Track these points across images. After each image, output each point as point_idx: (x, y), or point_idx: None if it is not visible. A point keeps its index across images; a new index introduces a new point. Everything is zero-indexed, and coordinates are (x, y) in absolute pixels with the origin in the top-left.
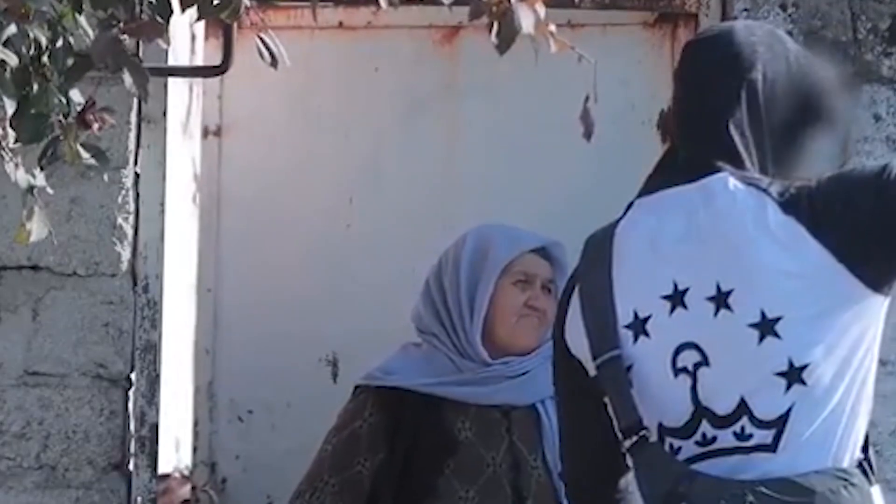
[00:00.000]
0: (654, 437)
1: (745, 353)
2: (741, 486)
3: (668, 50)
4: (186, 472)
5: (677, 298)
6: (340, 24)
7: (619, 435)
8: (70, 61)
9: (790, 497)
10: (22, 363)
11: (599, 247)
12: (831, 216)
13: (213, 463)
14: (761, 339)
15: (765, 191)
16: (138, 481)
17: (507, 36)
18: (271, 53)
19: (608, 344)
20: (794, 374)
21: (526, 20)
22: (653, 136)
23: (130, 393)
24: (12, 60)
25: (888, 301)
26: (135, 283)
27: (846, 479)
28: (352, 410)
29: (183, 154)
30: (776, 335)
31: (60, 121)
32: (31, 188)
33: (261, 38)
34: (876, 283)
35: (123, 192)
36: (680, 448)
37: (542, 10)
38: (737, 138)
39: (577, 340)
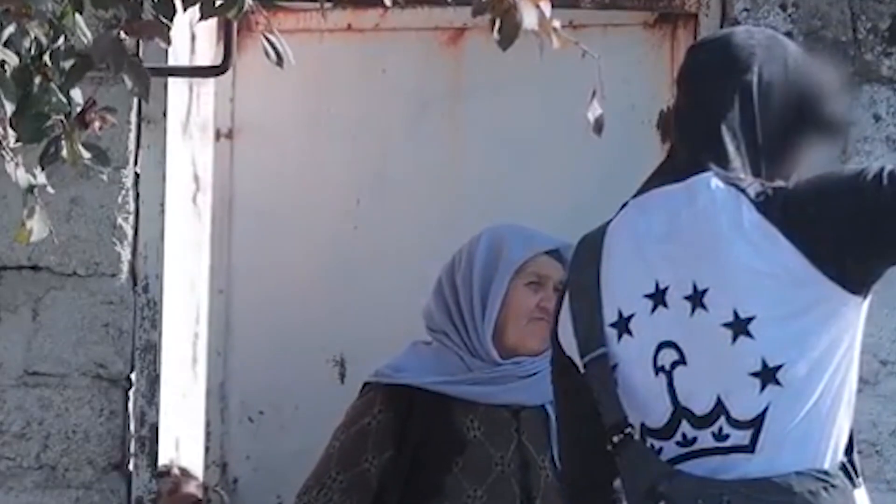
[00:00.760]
0: (637, 437)
1: (720, 353)
2: (719, 487)
3: (668, 50)
4: (184, 467)
5: (659, 297)
6: (349, 26)
7: (606, 433)
8: (70, 61)
9: (768, 498)
10: (22, 363)
11: (591, 247)
12: (804, 218)
13: (224, 463)
14: (734, 338)
15: (742, 191)
16: (138, 481)
17: (510, 32)
18: (277, 53)
19: (595, 342)
20: (768, 375)
21: (529, 17)
22: (653, 136)
23: (130, 393)
24: (12, 60)
25: (867, 302)
26: (135, 283)
27: (826, 481)
28: (360, 407)
29: (183, 154)
30: (749, 335)
31: (61, 121)
32: (31, 188)
33: (267, 39)
34: (850, 285)
35: (123, 192)
36: (661, 449)
37: (546, 7)
38: (727, 139)
39: (568, 339)
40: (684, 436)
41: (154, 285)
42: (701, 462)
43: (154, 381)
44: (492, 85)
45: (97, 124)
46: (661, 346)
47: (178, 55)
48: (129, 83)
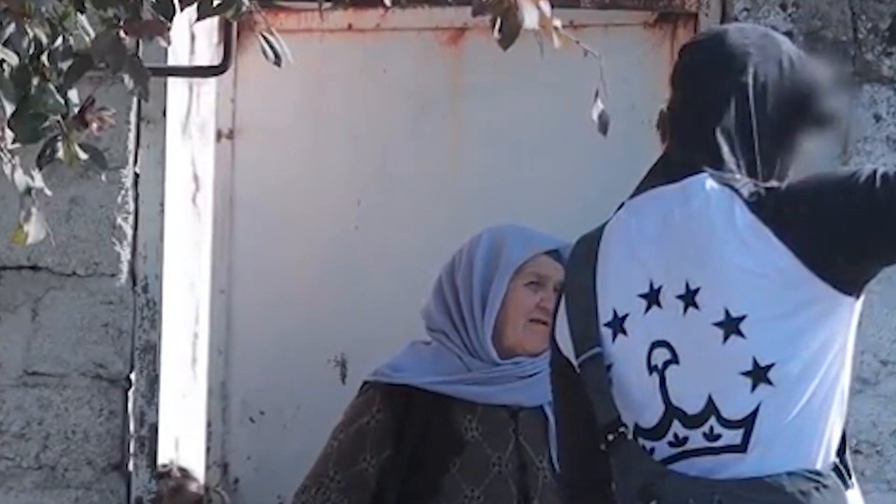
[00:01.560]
0: (631, 437)
1: (711, 352)
2: (711, 486)
3: (668, 50)
4: (185, 468)
5: (653, 297)
6: (350, 26)
7: (600, 432)
8: (70, 61)
9: (760, 498)
10: (21, 363)
11: (587, 248)
12: (797, 218)
13: (225, 463)
14: (726, 338)
15: (736, 191)
16: (138, 481)
17: (510, 32)
18: (275, 53)
19: (589, 342)
20: (759, 374)
21: (529, 16)
22: (653, 136)
23: (130, 393)
24: (12, 60)
25: (860, 303)
26: (134, 283)
27: (818, 481)
28: (359, 407)
29: (182, 154)
30: (740, 334)
31: (59, 121)
32: (28, 189)
33: (265, 38)
34: (842, 285)
35: (123, 192)
36: (654, 449)
37: (546, 6)
38: (723, 140)
39: (564, 339)
40: (676, 436)
41: (154, 285)
42: (693, 462)
43: (154, 382)
44: (492, 85)
45: (95, 125)
46: (655, 345)
47: (177, 55)
48: (129, 83)
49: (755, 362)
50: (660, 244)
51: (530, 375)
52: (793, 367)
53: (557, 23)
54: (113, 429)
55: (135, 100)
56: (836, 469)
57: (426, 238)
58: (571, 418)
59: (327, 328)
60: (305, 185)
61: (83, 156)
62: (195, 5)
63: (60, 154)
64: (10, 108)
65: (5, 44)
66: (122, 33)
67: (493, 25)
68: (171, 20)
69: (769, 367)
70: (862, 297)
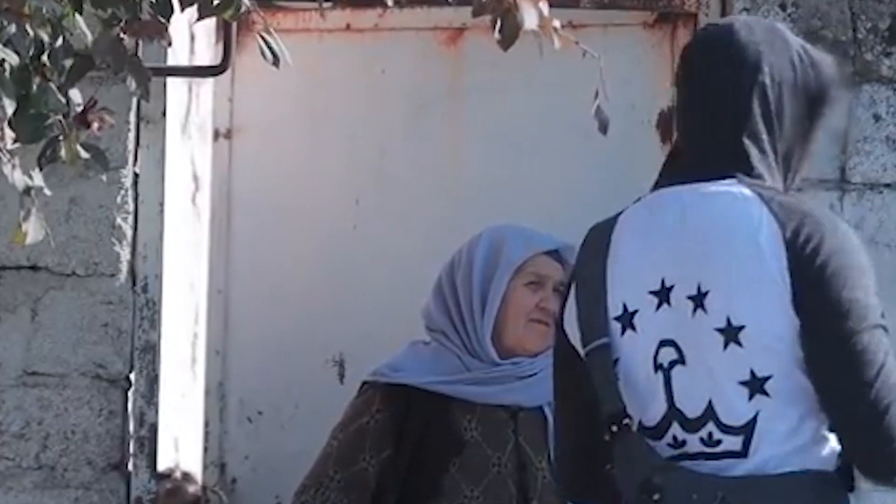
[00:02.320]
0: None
1: (713, 357)
2: (715, 483)
3: (668, 50)
4: (187, 471)
5: (663, 295)
6: (348, 26)
7: (603, 423)
8: (70, 61)
9: (765, 496)
10: (21, 363)
11: (599, 237)
12: (805, 298)
13: (222, 463)
14: (726, 345)
15: (766, 201)
16: (137, 481)
17: (511, 32)
18: (273, 53)
19: (597, 332)
20: (755, 385)
21: (529, 16)
22: (653, 136)
23: (129, 393)
24: (12, 60)
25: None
26: (134, 283)
27: (822, 482)
28: (359, 406)
29: (182, 154)
30: (739, 343)
31: (60, 121)
32: (28, 189)
33: (263, 38)
34: None
35: (122, 192)
36: (654, 449)
37: (545, 7)
38: (751, 144)
39: (573, 329)
40: (675, 438)
41: (153, 285)
42: (692, 465)
43: (153, 382)
44: (491, 85)
45: (96, 125)
46: (662, 343)
47: (177, 55)
48: (130, 84)
49: (752, 373)
50: (676, 243)
51: (530, 375)
52: (790, 382)
53: (557, 23)
54: (113, 429)
55: (134, 100)
56: (839, 470)
57: (424, 238)
58: (573, 411)
59: (325, 328)
60: (303, 185)
61: (85, 155)
62: (195, 6)
63: (62, 154)
64: (11, 108)
65: (6, 44)
66: (122, 34)
67: (494, 26)
68: (169, 20)
69: (766, 379)
70: None
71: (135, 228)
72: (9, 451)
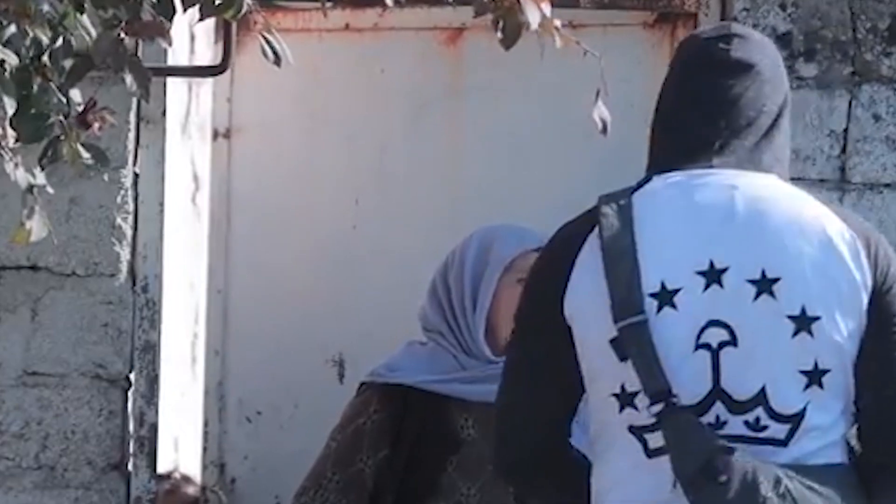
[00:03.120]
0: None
1: (777, 343)
2: (774, 468)
3: (667, 50)
4: (186, 472)
5: (713, 276)
6: (347, 26)
7: (646, 401)
8: (71, 61)
9: (820, 486)
10: (21, 363)
11: (620, 210)
12: (876, 316)
13: (222, 463)
14: (795, 333)
15: (829, 208)
16: (137, 481)
17: (513, 32)
18: (275, 53)
19: (633, 308)
20: (815, 376)
21: (532, 16)
22: None
23: (129, 393)
24: (13, 60)
25: None
26: (134, 283)
27: (852, 475)
28: (356, 407)
29: (182, 154)
30: (810, 333)
31: (61, 121)
32: (30, 188)
33: (265, 38)
34: None
35: (122, 192)
36: (711, 429)
37: (547, 7)
38: (777, 152)
39: (586, 302)
40: (717, 418)
41: (153, 285)
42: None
43: (153, 381)
44: (491, 85)
45: (97, 125)
46: (710, 324)
47: (176, 55)
48: (130, 84)
49: (815, 364)
50: (729, 226)
51: None
52: (842, 379)
53: (557, 23)
54: (112, 429)
55: (134, 100)
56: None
57: (424, 237)
58: (536, 389)
59: (325, 327)
60: (303, 185)
61: (86, 155)
62: (197, 6)
63: (63, 153)
64: (11, 108)
65: (6, 44)
66: (122, 34)
67: (495, 26)
68: (170, 21)
69: (825, 371)
70: None
71: (135, 228)
72: (9, 451)
